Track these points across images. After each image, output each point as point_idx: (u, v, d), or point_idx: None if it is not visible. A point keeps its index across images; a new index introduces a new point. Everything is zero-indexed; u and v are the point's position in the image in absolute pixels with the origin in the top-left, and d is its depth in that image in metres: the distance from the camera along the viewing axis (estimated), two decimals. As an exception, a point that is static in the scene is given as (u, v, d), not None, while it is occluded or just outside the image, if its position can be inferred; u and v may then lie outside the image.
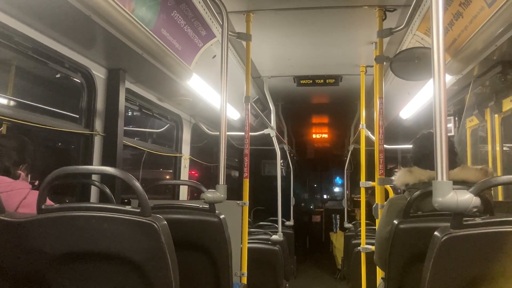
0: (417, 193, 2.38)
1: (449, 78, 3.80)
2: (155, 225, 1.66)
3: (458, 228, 1.54)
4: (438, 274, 1.55)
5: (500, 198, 4.09)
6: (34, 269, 1.73)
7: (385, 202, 2.83)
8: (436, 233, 1.59)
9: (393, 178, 2.78)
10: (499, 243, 1.52)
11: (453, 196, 1.49)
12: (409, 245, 2.28)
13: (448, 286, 1.54)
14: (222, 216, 2.63)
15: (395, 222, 2.34)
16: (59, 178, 1.78)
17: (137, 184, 1.74)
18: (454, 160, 2.60)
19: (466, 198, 1.49)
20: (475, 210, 1.49)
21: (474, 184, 2.08)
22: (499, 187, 4.17)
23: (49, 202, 1.95)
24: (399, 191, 2.73)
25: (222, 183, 2.72)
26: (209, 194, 2.62)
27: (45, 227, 1.72)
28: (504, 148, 4.21)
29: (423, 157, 2.64)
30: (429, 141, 2.66)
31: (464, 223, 1.55)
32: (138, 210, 1.70)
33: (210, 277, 2.63)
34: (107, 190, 3.16)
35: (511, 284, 1.49)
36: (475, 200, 1.49)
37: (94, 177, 3.43)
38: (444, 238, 1.53)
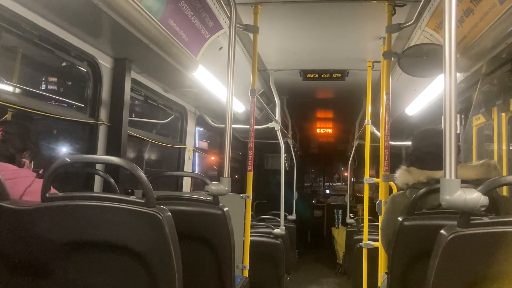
0: (423, 190, 2.36)
1: (457, 75, 3.76)
2: (159, 216, 1.66)
3: (465, 227, 1.53)
4: (443, 272, 1.53)
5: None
6: (37, 258, 1.73)
7: (388, 198, 2.83)
8: (442, 231, 1.57)
9: (395, 174, 2.77)
10: (507, 243, 1.50)
11: (461, 195, 1.48)
12: (413, 242, 2.26)
13: (453, 285, 1.53)
14: (225, 209, 2.62)
15: (400, 219, 2.32)
16: (64, 167, 1.78)
17: (142, 174, 1.73)
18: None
19: (474, 196, 1.48)
20: (483, 209, 1.47)
21: (475, 182, 2.08)
22: (504, 187, 4.14)
23: (53, 191, 1.95)
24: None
25: (226, 176, 2.71)
26: (213, 187, 2.61)
27: (49, 216, 1.71)
28: (511, 147, 4.18)
29: (419, 157, 2.63)
30: (425, 140, 2.65)
31: (471, 222, 1.53)
32: (143, 201, 1.69)
33: (212, 269, 2.63)
34: (111, 180, 3.16)
35: (518, 284, 1.48)
36: (483, 199, 1.47)
37: (97, 166, 3.43)
38: (451, 236, 1.52)
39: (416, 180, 2.52)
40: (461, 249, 1.53)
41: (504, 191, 4.09)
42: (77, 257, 1.74)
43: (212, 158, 7.70)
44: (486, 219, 1.54)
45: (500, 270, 1.50)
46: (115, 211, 1.68)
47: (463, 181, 2.28)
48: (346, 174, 13.95)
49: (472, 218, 1.55)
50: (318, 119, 10.63)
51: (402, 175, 2.62)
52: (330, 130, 10.77)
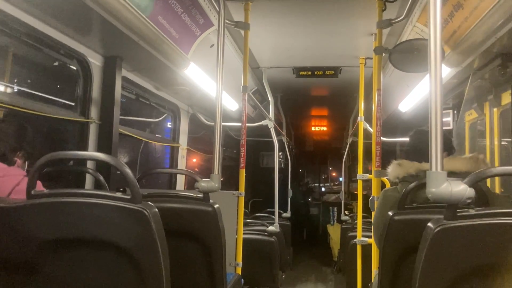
0: (412, 184, 2.38)
1: (448, 71, 3.77)
2: (145, 212, 1.65)
3: (452, 220, 1.53)
4: (430, 265, 1.53)
5: (497, 191, 4.08)
6: (23, 255, 1.71)
7: (380, 193, 2.86)
8: (429, 224, 1.57)
9: (387, 170, 2.81)
10: (493, 234, 1.50)
11: (447, 187, 1.48)
12: (403, 236, 2.27)
13: (440, 277, 1.52)
14: (216, 206, 2.61)
15: (390, 213, 2.33)
16: (49, 164, 1.76)
17: (128, 170, 1.72)
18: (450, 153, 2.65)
19: (460, 189, 1.47)
20: (469, 201, 1.47)
21: (464, 175, 2.10)
22: (497, 181, 4.16)
23: (42, 189, 1.93)
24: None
25: (216, 173, 2.70)
26: (204, 184, 2.60)
27: (35, 213, 1.70)
28: (502, 142, 4.20)
29: (413, 150, 2.75)
30: (420, 137, 2.76)
31: (458, 214, 1.53)
32: (129, 197, 1.68)
33: (203, 266, 2.62)
34: (101, 177, 3.15)
35: (504, 275, 1.48)
36: (469, 191, 1.47)
37: (89, 165, 3.41)
38: (437, 229, 1.52)
39: (406, 173, 2.57)
40: (448, 242, 1.52)
41: (497, 189, 4.11)
42: (63, 254, 1.73)
43: (194, 160, 7.58)
44: (472, 211, 1.54)
45: (486, 261, 1.50)
46: (101, 208, 1.67)
47: (452, 173, 2.32)
48: (334, 174, 14.01)
49: (459, 210, 1.54)
50: (312, 117, 10.62)
51: (393, 169, 2.70)
52: (324, 128, 10.76)
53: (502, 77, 3.48)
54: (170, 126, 5.62)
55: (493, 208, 1.57)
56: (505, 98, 3.97)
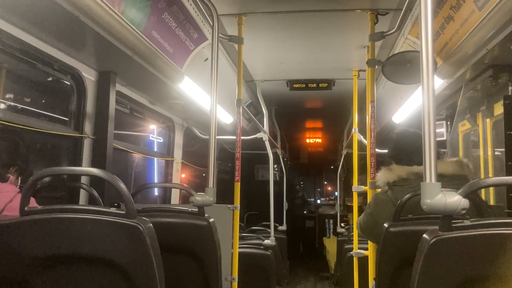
0: (407, 196, 2.37)
1: (440, 82, 3.80)
2: (140, 227, 1.64)
3: (447, 231, 1.53)
4: (427, 276, 1.53)
5: (492, 203, 4.09)
6: (16, 272, 1.69)
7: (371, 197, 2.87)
8: (424, 235, 1.57)
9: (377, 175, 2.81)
10: (488, 245, 1.50)
11: (442, 198, 1.47)
12: (400, 248, 2.26)
13: (436, 289, 1.52)
14: (211, 220, 2.60)
15: (386, 225, 2.32)
16: (43, 180, 1.75)
17: (122, 186, 1.71)
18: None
19: (455, 200, 1.47)
20: (463, 212, 1.47)
21: (450, 177, 2.13)
22: (491, 192, 4.17)
23: (36, 205, 1.92)
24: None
25: (211, 186, 2.69)
26: (198, 198, 2.58)
27: (28, 230, 1.68)
28: (496, 153, 4.21)
29: (400, 153, 2.74)
30: (405, 138, 2.79)
31: (453, 225, 1.53)
32: (123, 212, 1.67)
33: (199, 281, 2.59)
34: (95, 193, 3.13)
35: (500, 286, 1.47)
36: (464, 202, 1.47)
37: (83, 180, 3.39)
38: (433, 240, 1.52)
39: (398, 177, 2.56)
40: (444, 253, 1.52)
41: (492, 200, 4.11)
42: (57, 271, 1.70)
43: (183, 175, 7.48)
44: (467, 222, 1.54)
45: (482, 272, 1.50)
46: (95, 223, 1.66)
47: (440, 175, 2.32)
48: (329, 188, 14.01)
49: (454, 221, 1.54)
50: (306, 129, 10.65)
51: (383, 174, 2.70)
52: (319, 140, 10.78)
53: (494, 88, 3.52)
54: (163, 140, 5.62)
55: (488, 219, 1.57)
56: (497, 109, 3.99)
